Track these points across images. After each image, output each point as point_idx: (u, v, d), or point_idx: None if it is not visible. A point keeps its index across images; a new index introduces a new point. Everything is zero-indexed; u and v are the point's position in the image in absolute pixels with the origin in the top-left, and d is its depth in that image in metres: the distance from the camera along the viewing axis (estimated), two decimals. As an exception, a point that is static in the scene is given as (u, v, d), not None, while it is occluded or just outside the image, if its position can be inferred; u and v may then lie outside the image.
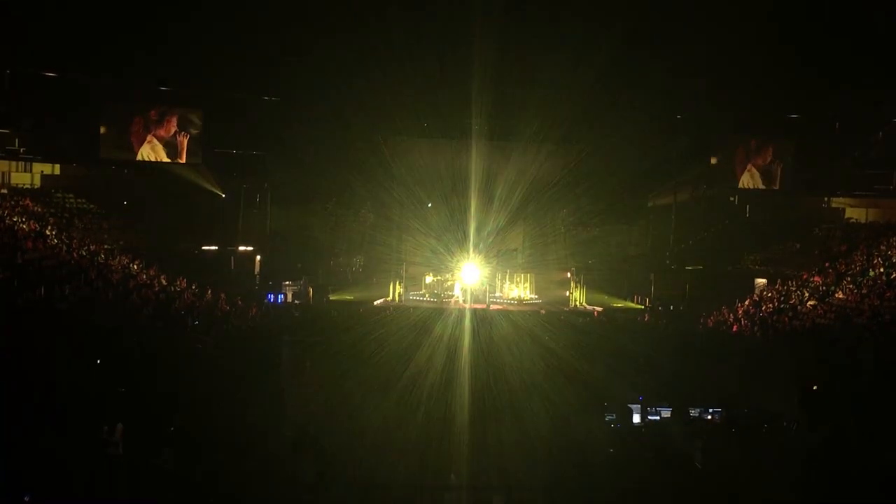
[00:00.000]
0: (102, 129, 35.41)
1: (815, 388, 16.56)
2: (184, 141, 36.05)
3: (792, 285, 31.44)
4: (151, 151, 35.92)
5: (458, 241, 38.81)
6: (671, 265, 37.96)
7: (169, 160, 36.23)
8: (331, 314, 30.36)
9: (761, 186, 38.53)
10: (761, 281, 35.20)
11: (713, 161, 38.27)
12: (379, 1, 30.03)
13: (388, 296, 35.21)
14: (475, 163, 37.83)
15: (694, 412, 13.91)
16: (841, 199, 39.57)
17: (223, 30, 31.63)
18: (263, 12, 31.46)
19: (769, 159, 38.14)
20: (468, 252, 38.36)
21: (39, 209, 31.33)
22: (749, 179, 38.29)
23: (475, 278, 37.01)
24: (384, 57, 32.11)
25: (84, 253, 26.70)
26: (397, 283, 35.55)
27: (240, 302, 28.57)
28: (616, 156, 36.75)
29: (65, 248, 26.09)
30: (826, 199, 40.42)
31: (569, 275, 36.82)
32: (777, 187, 38.37)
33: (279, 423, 14.57)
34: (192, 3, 30.13)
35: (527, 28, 33.02)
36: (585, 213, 40.93)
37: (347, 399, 17.24)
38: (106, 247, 29.88)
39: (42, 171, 37.07)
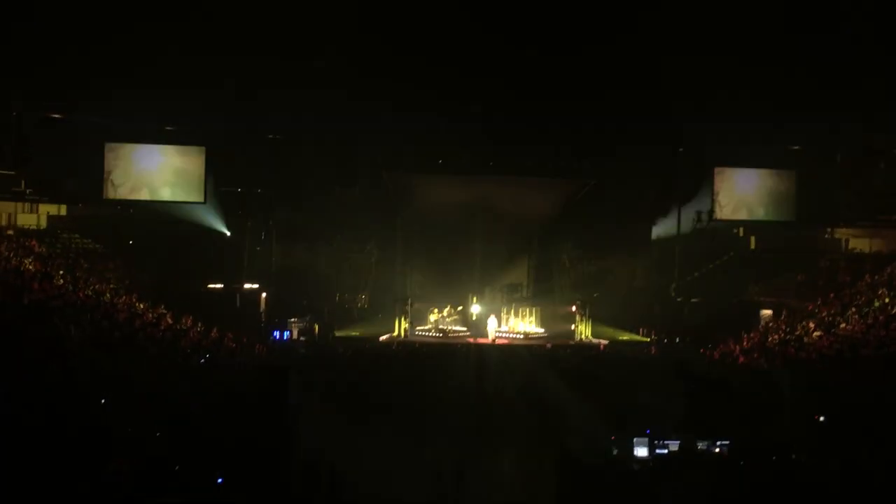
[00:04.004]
0: (107, 170, 35.64)
1: (822, 419, 16.50)
2: (182, 179, 36.36)
3: (797, 316, 31.42)
4: (156, 190, 36.15)
5: (464, 275, 38.87)
6: (676, 297, 37.89)
7: (173, 199, 36.43)
8: (337, 351, 30.35)
9: (764, 217, 38.59)
10: (767, 312, 35.16)
11: (716, 192, 38.28)
12: (381, 38, 30.33)
13: (394, 332, 35.20)
14: (479, 197, 38.01)
15: (702, 445, 13.85)
16: (844, 230, 39.55)
17: (224, 68, 32.05)
18: (265, 50, 31.86)
19: (773, 190, 38.23)
20: (473, 286, 38.46)
21: (45, 250, 31.46)
22: (751, 210, 38.39)
23: (480, 313, 37.10)
24: (387, 91, 32.46)
25: (90, 293, 26.76)
26: (403, 318, 35.52)
27: (245, 339, 28.58)
28: (619, 188, 36.92)
29: (71, 287, 26.16)
30: (829, 229, 40.40)
31: (574, 308, 36.74)
32: (780, 218, 38.42)
33: (288, 462, 14.57)
34: (194, 42, 30.49)
35: (530, 62, 33.35)
36: (590, 246, 40.94)
37: (354, 437, 17.22)
38: (112, 286, 29.94)
39: (48, 212, 37.23)
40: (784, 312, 32.99)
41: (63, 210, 37.78)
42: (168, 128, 36.18)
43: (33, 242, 31.29)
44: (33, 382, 14.71)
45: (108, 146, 35.84)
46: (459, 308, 37.56)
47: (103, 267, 33.59)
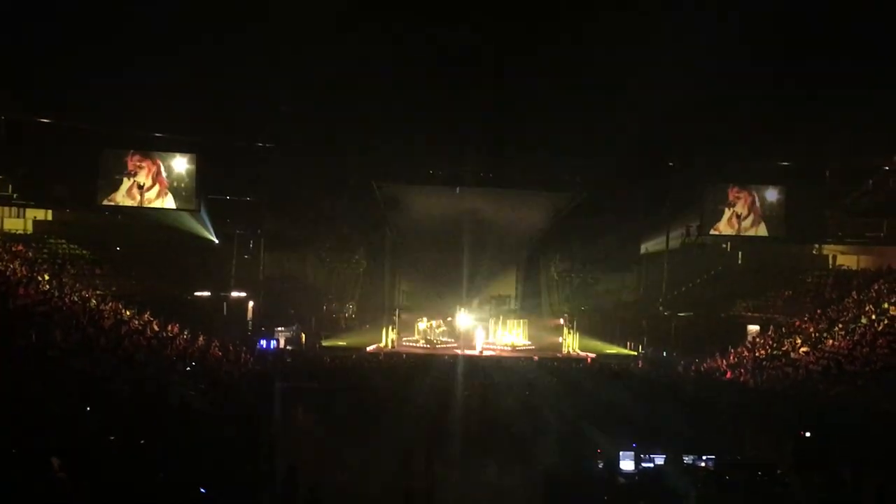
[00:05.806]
0: (98, 176, 35.40)
1: (808, 434, 16.49)
2: (178, 186, 36.09)
3: (784, 332, 31.50)
4: (146, 197, 35.93)
5: (452, 286, 38.87)
6: (664, 311, 37.97)
7: (163, 206, 36.22)
8: (323, 360, 30.27)
9: (752, 233, 38.64)
10: (754, 328, 35.24)
11: (704, 207, 38.28)
12: (372, 50, 30.34)
13: (381, 342, 35.11)
14: (468, 209, 38.02)
15: (688, 459, 13.82)
16: (832, 246, 39.65)
17: (217, 77, 31.97)
18: (257, 60, 31.82)
19: (760, 206, 38.28)
20: (461, 298, 38.43)
21: (31, 255, 31.25)
22: (740, 226, 38.43)
23: (468, 324, 37.06)
24: (378, 102, 32.45)
25: (76, 299, 26.58)
26: (390, 328, 35.46)
27: (231, 348, 28.45)
28: (608, 202, 37.01)
29: (56, 293, 25.99)
30: (817, 246, 40.52)
31: (562, 321, 36.77)
32: (769, 234, 38.47)
33: (270, 470, 14.49)
34: (186, 51, 30.40)
35: (521, 77, 33.41)
36: (578, 260, 41.01)
37: (338, 446, 17.13)
38: (98, 293, 29.76)
39: (34, 217, 36.99)
40: (771, 328, 33.07)
41: (49, 215, 37.53)
42: (158, 134, 35.95)
43: (20, 247, 31.07)
44: (14, 389, 14.56)
45: (100, 152, 35.56)
46: (447, 319, 37.56)
47: (90, 273, 33.43)
